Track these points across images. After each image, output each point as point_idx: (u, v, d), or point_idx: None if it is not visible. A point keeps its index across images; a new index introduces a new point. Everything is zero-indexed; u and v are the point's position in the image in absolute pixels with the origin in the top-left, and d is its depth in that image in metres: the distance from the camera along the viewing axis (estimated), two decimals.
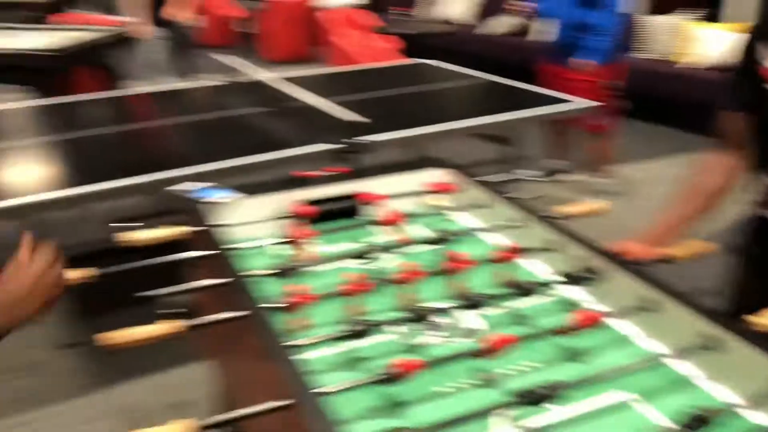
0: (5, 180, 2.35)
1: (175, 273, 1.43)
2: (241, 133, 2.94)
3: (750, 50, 1.44)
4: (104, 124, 3.15)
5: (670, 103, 5.54)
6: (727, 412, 0.99)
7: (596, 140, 4.00)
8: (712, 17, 5.94)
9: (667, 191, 1.66)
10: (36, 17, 7.87)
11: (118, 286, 1.35)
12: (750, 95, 1.43)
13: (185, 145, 2.89)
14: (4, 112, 3.26)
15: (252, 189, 1.72)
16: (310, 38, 8.60)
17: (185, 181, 2.16)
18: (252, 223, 1.63)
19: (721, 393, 1.10)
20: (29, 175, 2.41)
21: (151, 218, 2.86)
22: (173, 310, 1.21)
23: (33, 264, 1.14)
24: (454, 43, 7.32)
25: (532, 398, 0.99)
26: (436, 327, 1.28)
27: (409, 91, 3.74)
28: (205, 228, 1.51)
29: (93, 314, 2.79)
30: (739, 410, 1.03)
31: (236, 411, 0.99)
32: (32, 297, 1.13)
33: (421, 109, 3.37)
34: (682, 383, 1.13)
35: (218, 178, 2.41)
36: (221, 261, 1.35)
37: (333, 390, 1.03)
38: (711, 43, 5.47)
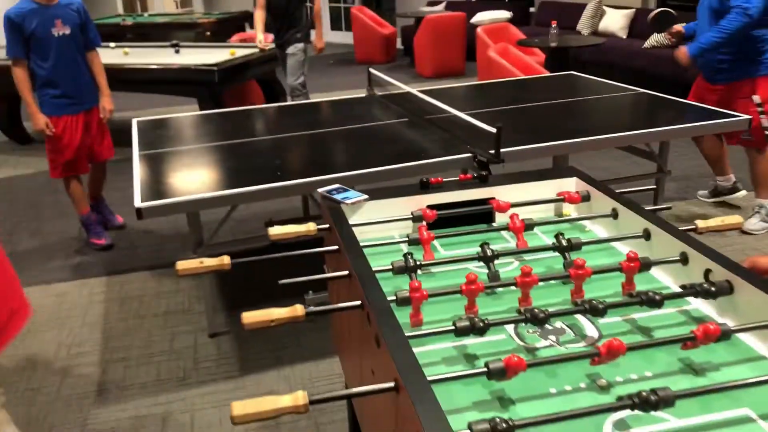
0: (170, 180, 2.63)
1: (312, 266, 1.57)
2: (387, 142, 3.08)
3: None
4: (272, 133, 3.42)
5: None
6: None
7: (754, 156, 3.71)
8: None
9: None
10: (208, 35, 8.67)
11: (260, 277, 1.49)
12: None
13: (336, 153, 3.08)
14: (177, 120, 3.64)
15: (389, 192, 1.82)
16: (465, 53, 8.71)
17: (331, 184, 2.32)
18: (383, 222, 1.74)
19: None
20: (195, 176, 2.69)
21: (298, 220, 3.09)
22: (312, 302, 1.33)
23: None
24: (604, 55, 7.16)
25: (645, 403, 0.99)
26: (551, 331, 1.30)
27: (555, 102, 3.71)
28: (339, 226, 1.63)
29: (236, 305, 3.05)
30: None
31: (348, 389, 1.08)
32: None
33: (566, 121, 3.33)
34: None
35: (363, 183, 2.58)
36: (351, 256, 1.45)
37: (440, 378, 1.08)
38: None
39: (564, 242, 1.56)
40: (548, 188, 1.87)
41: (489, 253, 1.52)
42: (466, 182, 1.85)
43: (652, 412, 1.02)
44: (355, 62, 9.90)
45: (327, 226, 1.69)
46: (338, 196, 1.79)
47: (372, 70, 4.05)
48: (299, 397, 1.06)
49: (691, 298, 1.38)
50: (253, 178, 2.53)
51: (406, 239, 1.66)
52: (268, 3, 5.26)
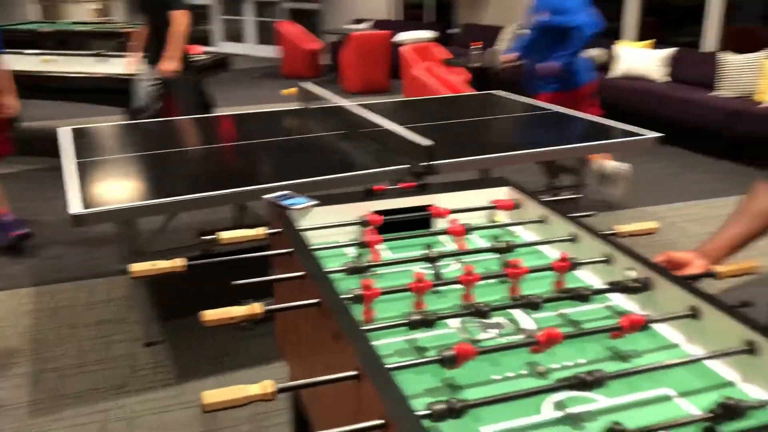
0: (107, 188, 2.62)
1: (254, 273, 1.62)
2: (321, 154, 3.16)
3: None
4: (202, 143, 3.43)
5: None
6: (758, 407, 1.08)
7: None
8: None
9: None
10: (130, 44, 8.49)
11: (205, 280, 1.54)
12: None
13: (270, 164, 3.13)
14: (107, 129, 3.61)
15: (335, 199, 1.90)
16: (390, 71, 8.91)
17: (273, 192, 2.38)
18: (330, 227, 1.82)
19: (756, 393, 1.19)
20: (129, 185, 2.68)
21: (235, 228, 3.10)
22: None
23: None
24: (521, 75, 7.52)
25: (579, 383, 1.11)
26: (492, 324, 1.42)
27: (480, 119, 3.89)
28: (290, 229, 1.70)
29: (171, 315, 3.04)
30: None
31: (311, 378, 1.15)
32: None
33: (489, 136, 3.51)
34: (720, 383, 1.22)
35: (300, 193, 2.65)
36: (304, 257, 1.53)
37: (397, 366, 1.17)
38: None
39: (500, 245, 1.68)
40: (482, 196, 2.00)
41: (433, 254, 1.62)
42: (410, 189, 1.96)
43: (586, 393, 1.14)
44: (282, 76, 9.94)
45: (277, 230, 1.75)
46: (286, 202, 1.86)
47: (303, 84, 4.13)
48: (267, 386, 1.12)
49: (614, 295, 1.53)
50: (192, 187, 2.56)
51: (354, 242, 1.74)
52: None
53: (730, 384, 1.22)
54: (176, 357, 2.81)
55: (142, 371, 2.72)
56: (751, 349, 1.21)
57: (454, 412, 1.04)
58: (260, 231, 1.71)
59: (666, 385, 1.21)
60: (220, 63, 5.74)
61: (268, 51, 12.26)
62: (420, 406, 1.06)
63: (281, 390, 1.14)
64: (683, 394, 1.19)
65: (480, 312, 1.35)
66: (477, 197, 2.00)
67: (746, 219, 1.57)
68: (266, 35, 12.54)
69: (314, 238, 1.76)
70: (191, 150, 3.24)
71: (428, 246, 1.66)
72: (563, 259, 1.54)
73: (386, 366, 1.12)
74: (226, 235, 1.69)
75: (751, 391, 1.20)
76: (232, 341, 2.90)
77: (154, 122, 3.83)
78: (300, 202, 1.86)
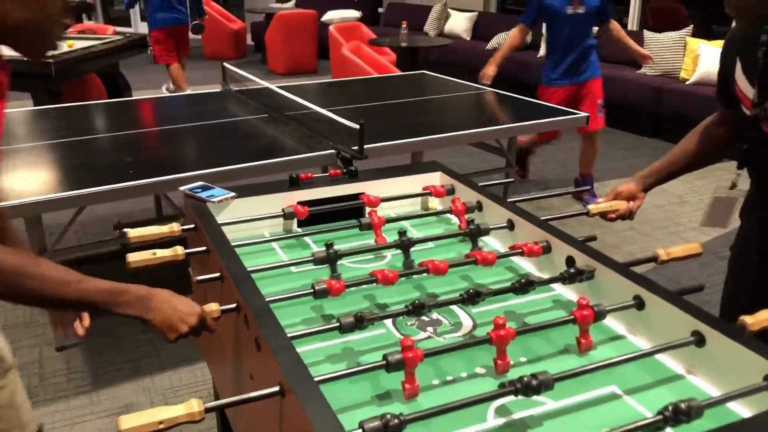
0: (13, 180, 2.39)
1: (171, 270, 1.47)
2: (245, 139, 2.99)
3: (726, 63, 1.52)
4: (116, 130, 3.20)
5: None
6: (708, 404, 1.02)
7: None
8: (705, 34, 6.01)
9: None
10: None
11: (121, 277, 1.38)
12: (729, 100, 1.52)
13: (192, 150, 2.94)
14: (8, 116, 3.32)
15: (257, 189, 1.76)
16: (317, 51, 8.70)
17: (191, 182, 2.22)
18: (253, 220, 1.68)
19: (705, 386, 1.13)
20: (35, 176, 2.45)
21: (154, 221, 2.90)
22: None
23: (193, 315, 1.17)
24: (449, 55, 7.49)
25: (527, 387, 1.02)
26: (428, 322, 1.32)
27: (411, 100, 3.79)
28: (207, 225, 1.55)
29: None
30: (723, 404, 1.06)
31: (237, 396, 1.03)
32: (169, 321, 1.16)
33: (420, 118, 3.42)
34: (667, 377, 1.17)
35: (223, 181, 2.48)
36: (223, 256, 1.39)
37: (327, 378, 1.05)
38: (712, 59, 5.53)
39: (434, 235, 1.58)
40: (414, 182, 1.90)
41: (364, 248, 1.51)
42: (339, 177, 1.83)
43: (534, 396, 1.06)
44: (204, 57, 9.57)
45: (192, 225, 1.60)
46: (203, 194, 1.71)
47: (226, 65, 3.92)
48: (194, 405, 0.99)
49: (555, 285, 1.46)
50: (101, 178, 2.35)
51: (281, 236, 1.61)
52: None
53: (678, 377, 1.17)
54: (91, 361, 2.61)
55: (53, 379, 2.51)
56: (699, 340, 1.16)
57: (390, 429, 0.93)
58: (174, 227, 1.55)
59: (613, 382, 1.14)
60: (137, 44, 5.41)
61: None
62: (352, 421, 0.95)
63: (208, 410, 1.01)
64: (630, 392, 1.13)
65: (413, 311, 1.24)
66: (409, 183, 1.89)
67: (671, 155, 1.75)
68: None
69: (234, 233, 1.61)
70: (103, 138, 3.01)
71: (354, 239, 1.54)
72: (498, 251, 1.46)
73: (312, 379, 1.00)
74: (135, 232, 1.53)
75: (700, 384, 1.15)
76: (151, 342, 2.71)
77: (62, 108, 3.55)
78: (218, 194, 1.72)
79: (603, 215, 1.73)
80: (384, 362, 1.07)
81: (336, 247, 1.48)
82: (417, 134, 2.94)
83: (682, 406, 0.97)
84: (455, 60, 7.59)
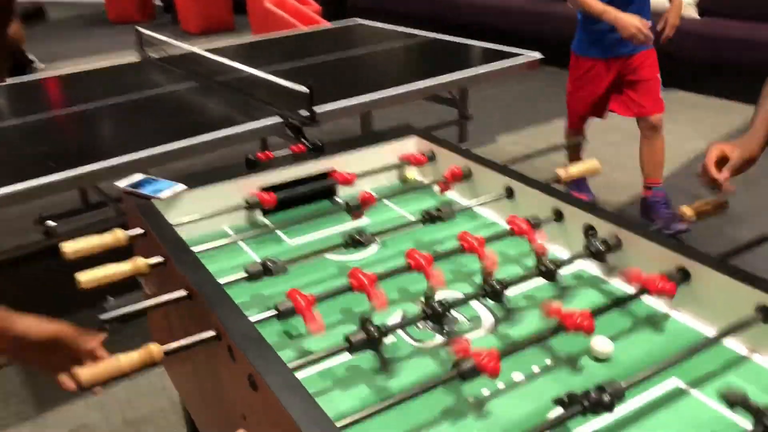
0: None
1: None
2: (175, 113, 2.68)
3: None
4: (22, 114, 2.82)
5: None
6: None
7: None
8: None
9: None
10: None
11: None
12: None
13: (112, 133, 2.61)
14: None
15: (209, 177, 1.50)
16: (232, 6, 8.19)
17: (119, 173, 1.93)
18: (210, 217, 1.42)
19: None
20: None
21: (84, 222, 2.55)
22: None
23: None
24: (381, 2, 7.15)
25: (599, 405, 0.84)
26: (445, 321, 1.12)
27: (350, 55, 3.52)
28: (158, 229, 1.29)
29: None
30: None
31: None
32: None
33: (366, 74, 3.17)
34: (731, 360, 1.01)
35: (157, 167, 2.19)
36: (187, 269, 1.14)
37: (349, 422, 0.84)
38: None
39: (426, 213, 1.37)
40: (388, 152, 1.68)
41: (347, 236, 1.28)
42: (301, 153, 1.59)
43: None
44: (109, 23, 8.88)
45: (141, 231, 1.33)
46: (146, 190, 1.43)
47: (141, 29, 3.54)
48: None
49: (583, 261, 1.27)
50: (17, 173, 2.02)
51: (246, 231, 1.37)
52: None
53: (743, 360, 1.01)
54: (29, 383, 2.31)
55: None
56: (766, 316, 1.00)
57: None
58: (118, 235, 1.29)
59: (672, 373, 0.98)
60: (34, 14, 4.88)
61: None
62: None
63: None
64: (695, 383, 0.97)
65: (437, 314, 1.04)
66: (383, 154, 1.67)
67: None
68: None
69: (188, 232, 1.35)
70: (7, 126, 2.63)
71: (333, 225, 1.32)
72: (514, 224, 1.26)
73: (334, 424, 0.80)
74: (71, 246, 1.25)
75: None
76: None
77: None
78: (164, 186, 1.45)
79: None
80: (457, 373, 0.88)
81: (319, 235, 1.25)
82: (365, 91, 2.68)
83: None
84: (387, 5, 7.23)
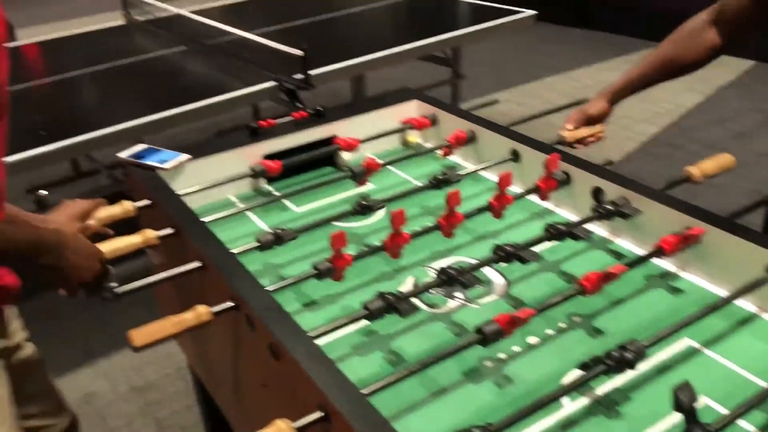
0: None
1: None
2: (164, 79, 2.63)
3: None
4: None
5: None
6: None
7: None
8: None
9: None
10: None
11: None
12: None
13: (100, 101, 2.57)
14: None
15: (213, 147, 1.49)
16: None
17: (110, 142, 1.91)
18: (215, 186, 1.41)
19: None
20: None
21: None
22: None
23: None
24: None
25: (621, 363, 0.86)
26: (456, 287, 1.12)
27: (339, 15, 3.46)
28: (166, 200, 1.28)
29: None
30: None
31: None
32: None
33: (358, 34, 3.12)
34: (741, 319, 1.03)
35: (150, 135, 2.16)
36: (200, 240, 1.14)
37: (375, 389, 0.86)
38: None
39: (433, 177, 1.37)
40: (390, 116, 1.67)
41: (354, 203, 1.28)
42: (302, 121, 1.57)
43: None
44: None
45: (147, 202, 1.32)
46: (150, 160, 1.42)
47: None
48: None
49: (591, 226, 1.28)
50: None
51: (252, 198, 1.36)
52: None
53: (754, 318, 1.03)
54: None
55: None
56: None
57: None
58: (127, 207, 1.27)
59: (684, 334, 1.00)
60: None
61: None
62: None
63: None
64: (708, 343, 0.99)
65: (452, 278, 1.04)
66: (384, 118, 1.65)
67: (645, 63, 1.43)
68: None
69: (194, 202, 1.33)
70: None
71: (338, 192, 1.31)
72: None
73: (361, 393, 0.81)
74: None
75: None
76: (97, 319, 2.40)
77: None
78: (168, 157, 1.43)
79: (579, 142, 1.45)
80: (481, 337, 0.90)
81: (325, 201, 1.24)
82: (359, 53, 2.65)
83: None
84: None
